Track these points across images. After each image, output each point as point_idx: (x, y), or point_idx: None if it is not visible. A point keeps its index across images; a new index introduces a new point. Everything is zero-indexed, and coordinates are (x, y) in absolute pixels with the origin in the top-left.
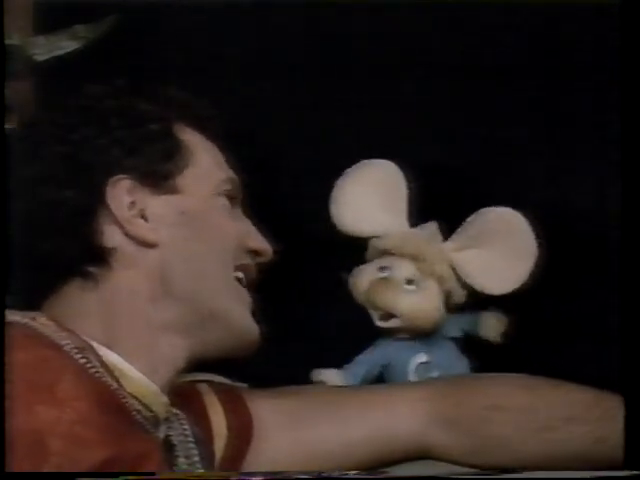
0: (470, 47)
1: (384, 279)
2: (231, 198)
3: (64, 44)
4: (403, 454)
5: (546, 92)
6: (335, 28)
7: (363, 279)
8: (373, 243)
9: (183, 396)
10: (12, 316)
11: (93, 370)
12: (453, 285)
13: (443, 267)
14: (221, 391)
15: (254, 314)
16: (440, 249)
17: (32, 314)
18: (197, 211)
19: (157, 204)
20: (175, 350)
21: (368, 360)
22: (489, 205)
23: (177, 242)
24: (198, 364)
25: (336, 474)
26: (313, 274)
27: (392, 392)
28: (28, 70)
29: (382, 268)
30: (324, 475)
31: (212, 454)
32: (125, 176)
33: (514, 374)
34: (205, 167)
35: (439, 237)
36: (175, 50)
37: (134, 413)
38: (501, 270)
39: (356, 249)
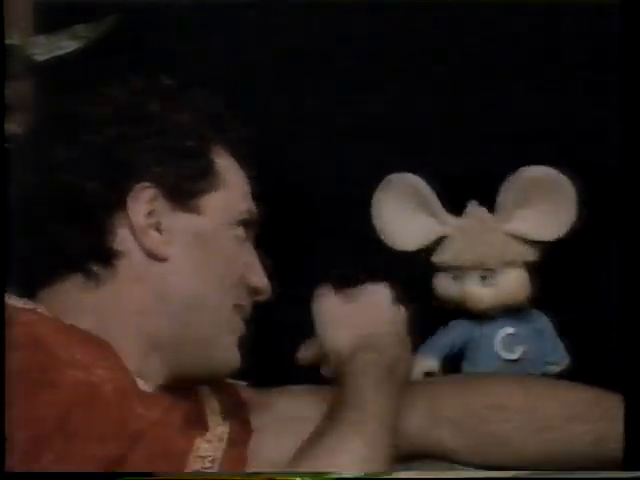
0: (470, 47)
1: (463, 289)
2: (246, 229)
3: (64, 44)
4: (404, 453)
5: (546, 92)
6: (335, 28)
7: (445, 292)
8: (434, 258)
9: (180, 394)
10: (13, 301)
11: None
12: (521, 255)
13: (503, 252)
14: (219, 390)
15: (241, 344)
16: (492, 235)
17: (32, 304)
18: (211, 236)
19: (174, 220)
20: (156, 365)
21: (445, 341)
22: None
23: (184, 261)
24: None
25: (336, 474)
26: (313, 274)
27: None
28: (28, 70)
29: (455, 277)
30: (324, 475)
31: None
32: (151, 185)
33: (514, 373)
34: (231, 194)
35: (485, 216)
36: (175, 50)
37: None
38: (548, 220)
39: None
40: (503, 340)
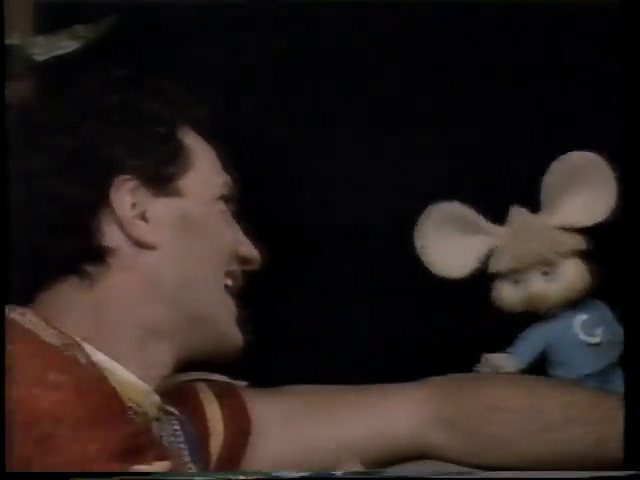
0: (470, 47)
1: (528, 291)
2: (226, 202)
3: (64, 44)
4: (403, 454)
5: (546, 92)
6: (335, 28)
7: (510, 297)
8: (490, 269)
9: (179, 394)
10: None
11: (83, 360)
12: (573, 244)
13: (556, 244)
14: (219, 389)
15: (239, 322)
16: (542, 232)
17: (21, 310)
18: (197, 215)
19: (158, 206)
20: (162, 354)
21: (530, 340)
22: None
23: (174, 246)
24: (189, 366)
25: (337, 474)
26: (311, 274)
27: (391, 392)
28: (28, 70)
29: (516, 282)
30: (323, 475)
31: (208, 453)
32: (129, 177)
33: (514, 374)
34: (206, 171)
35: (530, 216)
36: (175, 50)
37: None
38: (590, 204)
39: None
40: (582, 326)
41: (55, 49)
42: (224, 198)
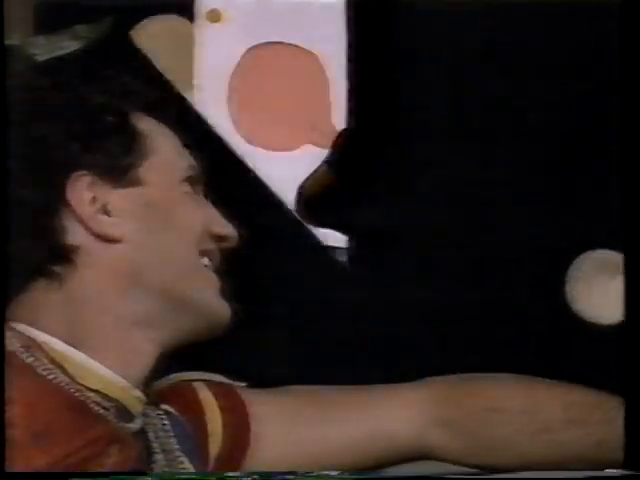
0: (469, 47)
1: None
2: (193, 184)
3: (64, 44)
4: (403, 454)
5: (546, 92)
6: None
7: None
8: None
9: (178, 394)
10: None
11: (41, 368)
12: None
13: None
14: (218, 390)
15: (224, 294)
16: None
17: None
18: (161, 201)
19: (119, 198)
20: (147, 343)
21: None
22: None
23: (142, 235)
24: (182, 356)
25: (335, 474)
26: (313, 278)
27: (392, 392)
28: (28, 70)
29: None
30: (323, 475)
31: (206, 453)
32: (85, 172)
33: (514, 375)
34: (166, 156)
35: None
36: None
37: (92, 405)
38: None
39: None
40: None
41: (56, 49)
42: (189, 180)
